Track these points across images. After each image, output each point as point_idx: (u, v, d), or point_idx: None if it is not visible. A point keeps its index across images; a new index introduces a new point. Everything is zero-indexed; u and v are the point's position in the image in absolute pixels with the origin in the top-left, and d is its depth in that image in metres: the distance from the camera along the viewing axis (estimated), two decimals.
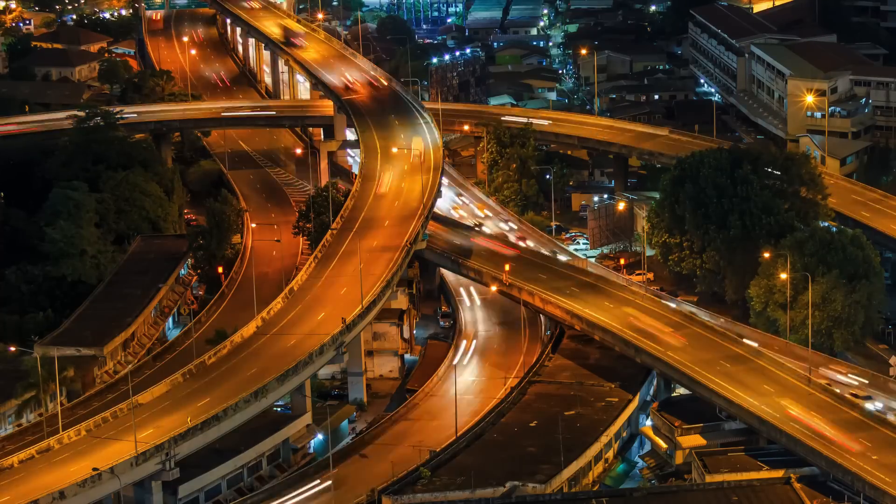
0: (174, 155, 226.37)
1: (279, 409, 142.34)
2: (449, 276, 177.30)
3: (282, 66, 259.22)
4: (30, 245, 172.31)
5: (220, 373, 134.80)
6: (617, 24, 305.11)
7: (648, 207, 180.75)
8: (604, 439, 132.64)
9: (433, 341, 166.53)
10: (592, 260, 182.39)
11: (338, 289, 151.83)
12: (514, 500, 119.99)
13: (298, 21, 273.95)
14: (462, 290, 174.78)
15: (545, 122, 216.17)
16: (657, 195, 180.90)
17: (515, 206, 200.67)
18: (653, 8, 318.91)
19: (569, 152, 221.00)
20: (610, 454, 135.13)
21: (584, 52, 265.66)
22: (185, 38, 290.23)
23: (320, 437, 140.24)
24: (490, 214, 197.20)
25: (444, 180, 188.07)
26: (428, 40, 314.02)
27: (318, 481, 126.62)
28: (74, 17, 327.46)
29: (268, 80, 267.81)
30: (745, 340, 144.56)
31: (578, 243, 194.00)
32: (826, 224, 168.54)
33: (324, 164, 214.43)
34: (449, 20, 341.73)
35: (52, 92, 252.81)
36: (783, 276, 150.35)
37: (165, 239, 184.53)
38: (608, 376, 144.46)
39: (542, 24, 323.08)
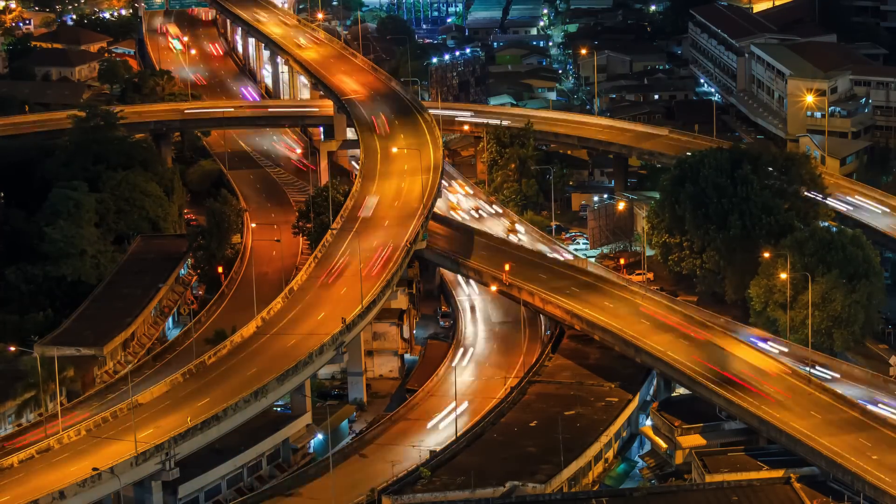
0: (174, 155, 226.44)
1: (279, 409, 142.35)
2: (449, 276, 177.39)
3: (282, 66, 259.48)
4: (30, 245, 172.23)
5: (219, 373, 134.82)
6: (617, 24, 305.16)
7: (648, 207, 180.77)
8: (604, 439, 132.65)
9: (433, 341, 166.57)
10: (592, 260, 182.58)
11: (338, 288, 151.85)
12: (514, 500, 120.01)
13: (299, 21, 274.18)
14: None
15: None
16: (657, 195, 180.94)
17: (515, 205, 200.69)
18: (653, 8, 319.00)
19: (569, 152, 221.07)
20: (610, 454, 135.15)
21: (584, 52, 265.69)
22: (185, 38, 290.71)
23: (320, 437, 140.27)
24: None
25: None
26: (428, 40, 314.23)
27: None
28: (74, 17, 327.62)
29: (268, 80, 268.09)
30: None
31: (578, 243, 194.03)
32: (826, 224, 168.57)
33: (324, 164, 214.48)
34: (449, 20, 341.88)
35: (52, 92, 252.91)
36: (783, 276, 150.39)
37: (165, 239, 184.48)
38: (608, 376, 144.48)
39: (542, 24, 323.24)
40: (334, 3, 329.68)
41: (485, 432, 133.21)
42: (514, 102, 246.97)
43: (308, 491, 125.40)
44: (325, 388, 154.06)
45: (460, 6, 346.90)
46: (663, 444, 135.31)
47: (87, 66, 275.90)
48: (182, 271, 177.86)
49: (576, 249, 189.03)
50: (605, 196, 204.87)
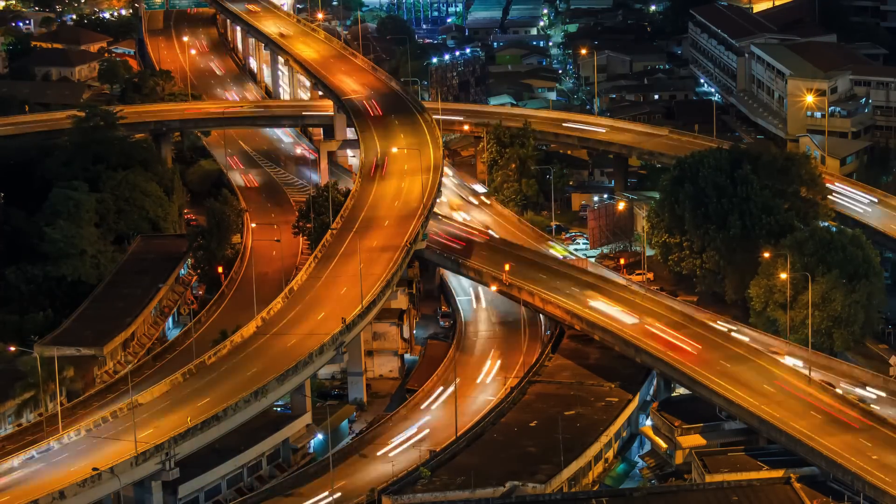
0: (174, 155, 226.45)
1: (279, 409, 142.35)
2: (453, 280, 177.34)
3: (281, 66, 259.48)
4: (30, 245, 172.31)
5: (220, 373, 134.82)
6: (617, 24, 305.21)
7: (648, 207, 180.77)
8: (604, 439, 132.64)
9: (433, 341, 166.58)
10: (592, 260, 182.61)
11: (338, 288, 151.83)
12: (514, 500, 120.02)
13: (298, 21, 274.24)
14: None
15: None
16: (657, 195, 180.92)
17: (515, 205, 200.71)
18: (653, 8, 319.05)
19: (569, 152, 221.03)
20: (610, 454, 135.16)
21: (584, 52, 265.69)
22: (186, 38, 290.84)
23: (320, 437, 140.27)
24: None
25: None
26: (428, 40, 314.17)
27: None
28: (74, 17, 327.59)
29: (268, 80, 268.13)
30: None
31: (578, 243, 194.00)
32: (826, 224, 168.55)
33: (324, 164, 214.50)
34: (449, 20, 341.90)
35: (52, 92, 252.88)
36: (783, 276, 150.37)
37: (165, 239, 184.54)
38: (608, 376, 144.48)
39: (542, 24, 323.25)
40: (334, 3, 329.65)
41: (485, 432, 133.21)
42: (514, 102, 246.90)
43: (308, 491, 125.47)
44: (325, 388, 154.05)
45: (460, 6, 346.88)
46: (663, 444, 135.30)
47: (87, 66, 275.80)
48: (182, 271, 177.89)
49: (576, 249, 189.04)
50: (605, 196, 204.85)
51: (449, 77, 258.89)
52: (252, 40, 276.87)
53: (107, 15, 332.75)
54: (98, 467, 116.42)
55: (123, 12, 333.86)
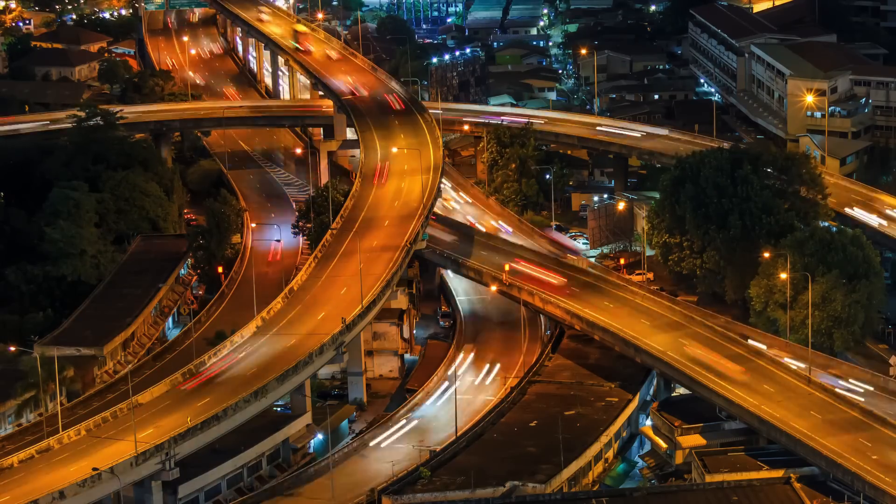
0: (174, 155, 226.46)
1: (279, 409, 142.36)
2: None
3: (281, 66, 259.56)
4: (30, 245, 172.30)
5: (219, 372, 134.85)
6: (617, 24, 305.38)
7: (648, 207, 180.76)
8: (604, 439, 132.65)
9: (433, 341, 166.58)
10: (592, 259, 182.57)
11: (338, 289, 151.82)
12: (514, 500, 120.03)
13: (298, 21, 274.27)
14: None
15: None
16: (657, 195, 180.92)
17: (515, 205, 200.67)
18: (653, 8, 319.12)
19: (569, 152, 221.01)
20: (610, 454, 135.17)
21: (584, 52, 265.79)
22: (185, 38, 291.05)
23: (320, 437, 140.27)
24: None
25: None
26: (428, 40, 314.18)
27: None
28: (74, 17, 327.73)
29: (268, 80, 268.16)
30: (749, 342, 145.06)
31: (578, 243, 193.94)
32: (826, 224, 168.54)
33: (324, 164, 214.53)
34: (449, 20, 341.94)
35: (51, 92, 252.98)
36: (783, 276, 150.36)
37: (165, 239, 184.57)
38: (608, 376, 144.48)
39: (542, 23, 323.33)
40: (334, 3, 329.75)
41: (485, 432, 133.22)
42: (514, 102, 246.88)
43: (308, 491, 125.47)
44: (325, 388, 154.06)
45: (460, 6, 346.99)
46: (663, 444, 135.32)
47: (87, 66, 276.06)
48: (182, 271, 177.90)
49: None
50: (605, 196, 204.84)
51: (449, 77, 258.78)
52: (252, 40, 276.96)
53: (107, 15, 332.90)
54: (98, 467, 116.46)
55: (123, 12, 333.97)
